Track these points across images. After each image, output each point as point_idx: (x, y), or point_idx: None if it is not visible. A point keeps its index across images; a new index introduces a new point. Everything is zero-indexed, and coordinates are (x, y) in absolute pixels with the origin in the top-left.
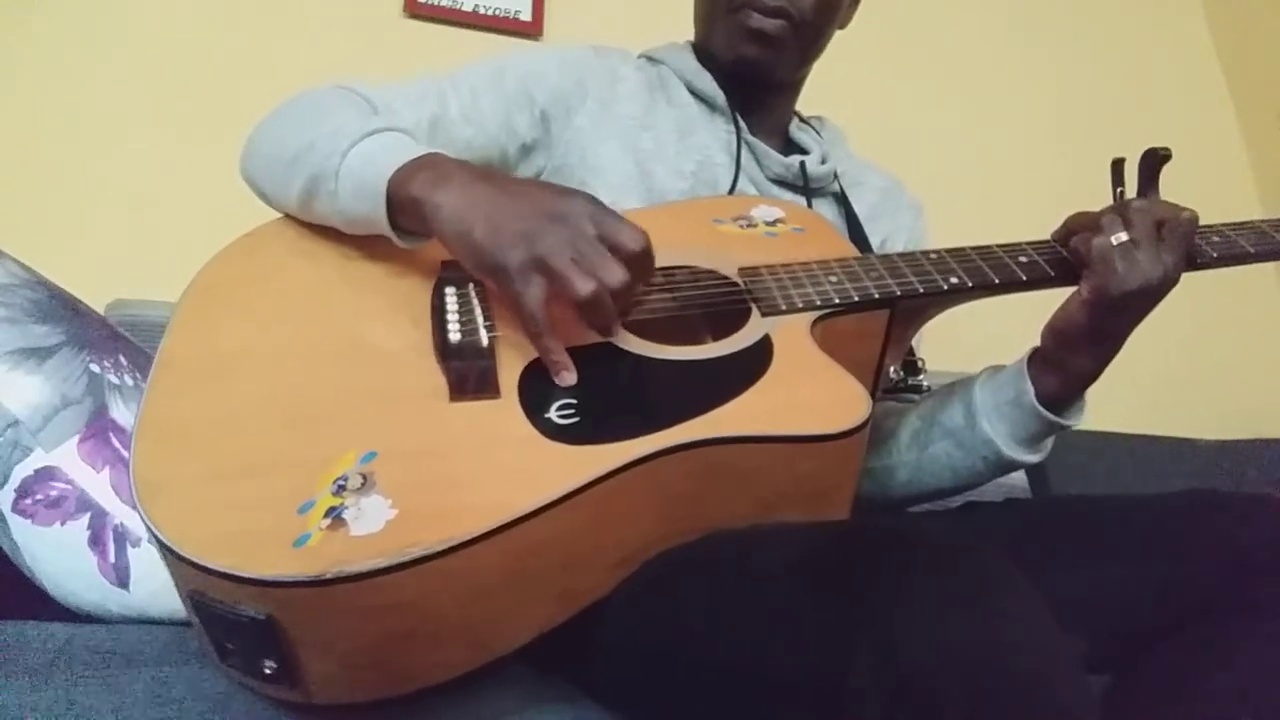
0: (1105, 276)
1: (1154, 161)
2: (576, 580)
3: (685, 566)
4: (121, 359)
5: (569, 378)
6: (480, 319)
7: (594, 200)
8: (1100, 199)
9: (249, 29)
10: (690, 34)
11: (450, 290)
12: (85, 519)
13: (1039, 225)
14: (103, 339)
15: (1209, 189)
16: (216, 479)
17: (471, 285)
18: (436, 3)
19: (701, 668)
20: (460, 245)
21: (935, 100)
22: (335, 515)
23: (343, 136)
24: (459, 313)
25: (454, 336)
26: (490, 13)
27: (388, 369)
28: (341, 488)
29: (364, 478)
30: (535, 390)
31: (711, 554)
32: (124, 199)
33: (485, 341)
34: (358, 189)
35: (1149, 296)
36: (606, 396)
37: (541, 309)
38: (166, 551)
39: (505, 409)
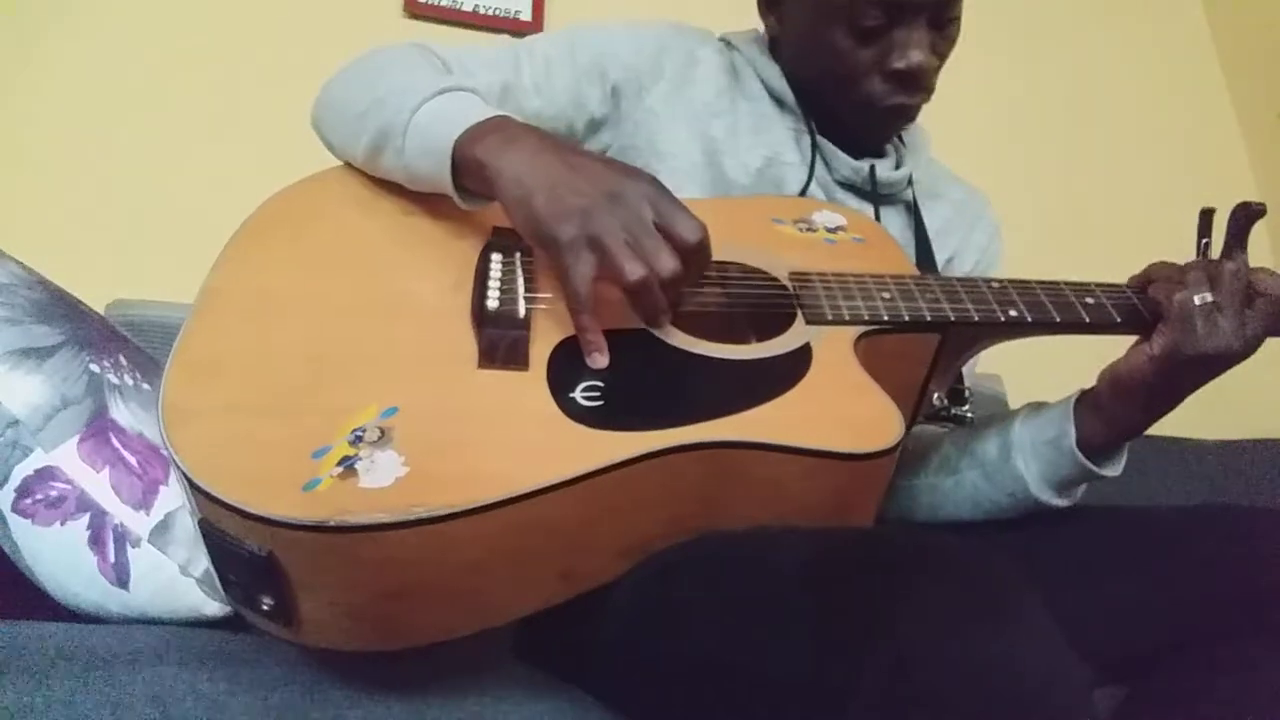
0: (1181, 335)
1: (1244, 217)
2: (579, 562)
3: (691, 564)
4: (121, 359)
5: (600, 360)
6: (521, 289)
7: (656, 183)
8: (1098, 202)
9: (249, 29)
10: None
11: (496, 257)
12: (85, 519)
13: (1037, 224)
14: (103, 339)
15: (1209, 189)
16: (240, 414)
17: (518, 255)
18: (436, 3)
19: (705, 667)
20: (518, 211)
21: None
22: (348, 465)
23: (414, 93)
24: (501, 280)
25: (492, 303)
26: (490, 13)
27: (422, 327)
28: (358, 438)
29: (382, 432)
30: (564, 368)
31: (718, 553)
32: (124, 199)
33: (522, 312)
34: (424, 146)
35: (1221, 364)
36: (635, 384)
37: (587, 285)
38: (182, 476)
39: (531, 383)
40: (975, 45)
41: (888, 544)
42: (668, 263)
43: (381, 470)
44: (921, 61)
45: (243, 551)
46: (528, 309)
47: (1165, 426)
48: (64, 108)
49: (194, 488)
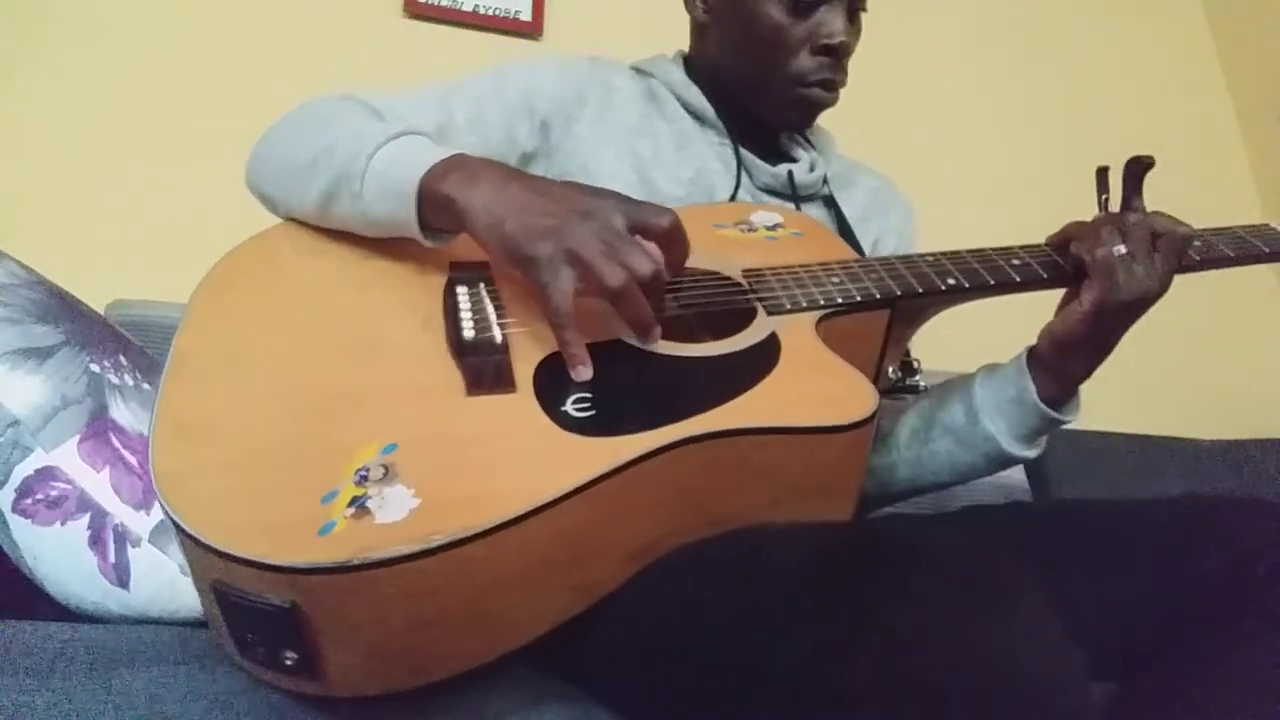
0: (1107, 288)
1: (1138, 169)
2: (592, 571)
3: (693, 565)
4: (121, 359)
5: (585, 372)
6: (493, 316)
7: (622, 196)
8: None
9: (249, 29)
10: (682, 42)
11: (462, 290)
12: (85, 519)
13: (1038, 225)
14: (103, 339)
15: (1209, 189)
16: (237, 469)
17: (482, 284)
18: (436, 3)
19: (705, 665)
20: (492, 238)
21: (932, 101)
22: (359, 504)
23: (366, 140)
24: (472, 310)
25: (468, 333)
26: (490, 13)
27: (402, 365)
28: (364, 478)
29: (386, 468)
30: (550, 384)
31: (720, 552)
32: (124, 199)
33: (499, 338)
34: (384, 189)
35: (1144, 305)
36: (621, 390)
37: (568, 301)
38: (190, 541)
39: (521, 403)
40: (975, 45)
41: (884, 540)
42: (646, 264)
43: (394, 505)
44: (846, 39)
45: (263, 608)
46: (504, 334)
47: (1165, 426)
48: (64, 108)
49: (204, 548)
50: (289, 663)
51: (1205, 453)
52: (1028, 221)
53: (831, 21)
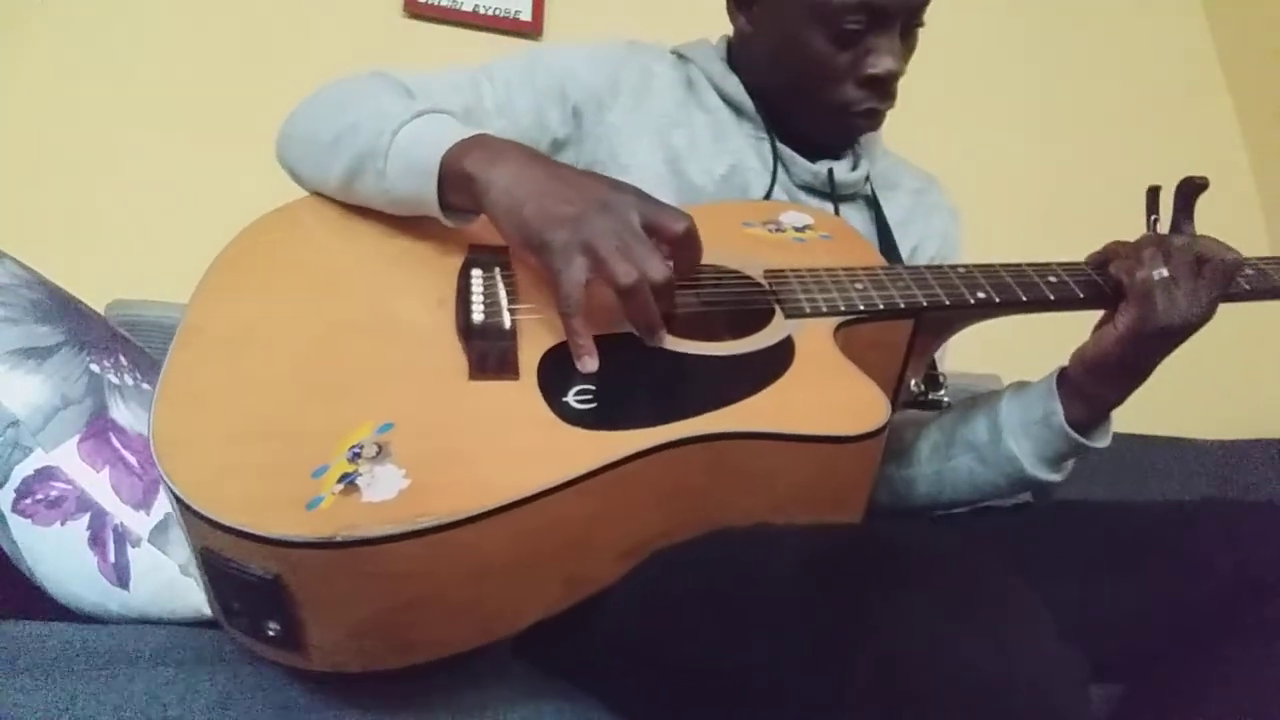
0: (1144, 313)
1: (1190, 190)
2: (582, 566)
3: (689, 565)
4: (121, 359)
5: (590, 364)
6: (504, 301)
7: (641, 193)
8: (1098, 202)
9: (249, 29)
10: (695, 33)
11: (477, 272)
12: (85, 519)
13: (1037, 226)
14: (103, 339)
15: (1209, 189)
16: (234, 440)
17: (498, 269)
18: (436, 3)
19: (701, 665)
20: (508, 221)
21: (931, 102)
22: (349, 481)
23: (391, 117)
24: (484, 294)
25: (477, 317)
26: (490, 13)
27: (410, 345)
28: (356, 455)
29: (379, 447)
30: (554, 374)
31: (715, 554)
32: (124, 199)
33: (508, 323)
34: (408, 166)
35: (1184, 333)
36: (625, 385)
37: (579, 289)
38: (181, 507)
39: (523, 390)
40: (976, 45)
41: (882, 545)
42: (658, 268)
43: (383, 484)
44: (894, 68)
45: (248, 577)
46: (513, 320)
47: (1165, 426)
48: (64, 108)
49: (194, 514)
50: (271, 633)
51: (1205, 453)
52: (1025, 222)
53: (879, 49)
